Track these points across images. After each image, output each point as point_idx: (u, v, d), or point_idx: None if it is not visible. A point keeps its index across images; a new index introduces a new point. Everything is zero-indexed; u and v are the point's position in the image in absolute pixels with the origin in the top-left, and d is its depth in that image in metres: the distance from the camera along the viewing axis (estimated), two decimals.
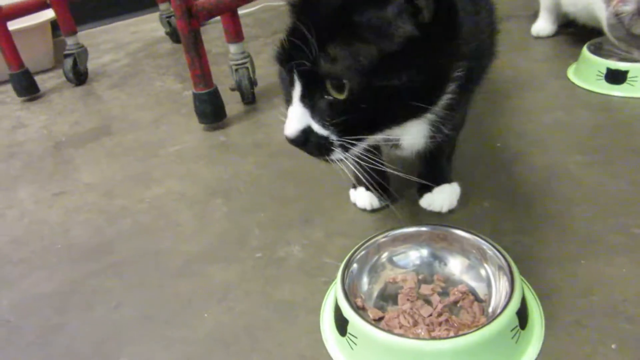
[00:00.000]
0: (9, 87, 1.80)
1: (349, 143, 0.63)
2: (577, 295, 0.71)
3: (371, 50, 0.58)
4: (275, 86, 1.56)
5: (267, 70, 1.66)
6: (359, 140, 0.64)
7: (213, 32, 2.12)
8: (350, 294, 0.70)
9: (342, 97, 0.60)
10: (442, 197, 0.90)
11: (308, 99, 0.62)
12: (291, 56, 0.61)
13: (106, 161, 1.29)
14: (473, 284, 0.73)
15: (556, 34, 1.58)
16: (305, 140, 0.64)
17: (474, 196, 0.93)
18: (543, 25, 1.58)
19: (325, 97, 0.61)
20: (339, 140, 0.63)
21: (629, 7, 1.18)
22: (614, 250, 0.78)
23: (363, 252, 0.76)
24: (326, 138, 0.63)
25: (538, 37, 1.59)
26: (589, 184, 0.93)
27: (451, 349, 0.60)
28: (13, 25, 1.76)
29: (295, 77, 0.62)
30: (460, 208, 0.91)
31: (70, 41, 1.81)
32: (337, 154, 0.64)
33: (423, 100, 0.61)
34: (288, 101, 0.66)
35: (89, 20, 2.57)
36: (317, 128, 0.63)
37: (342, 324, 0.67)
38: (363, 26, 0.58)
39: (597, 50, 1.29)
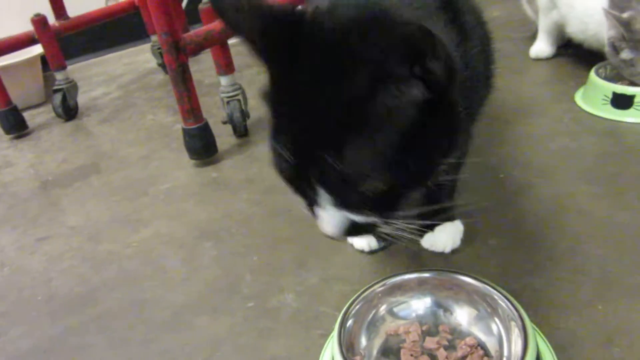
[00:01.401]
0: None
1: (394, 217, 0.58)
2: (596, 345, 0.66)
3: (392, 136, 0.52)
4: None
5: (260, 101, 1.62)
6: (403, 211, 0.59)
7: (206, 62, 2.09)
8: (348, 351, 0.64)
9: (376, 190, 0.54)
10: (445, 237, 0.85)
11: (339, 200, 0.56)
12: (301, 170, 0.55)
13: (93, 202, 1.24)
14: (482, 336, 0.67)
15: (555, 55, 1.54)
16: (349, 231, 0.58)
17: (479, 233, 0.88)
18: (542, 47, 1.54)
19: (358, 191, 0.54)
20: (383, 220, 0.58)
21: (612, 33, 1.15)
22: (632, 292, 0.72)
23: (360, 305, 0.70)
24: (370, 223, 0.58)
25: (537, 59, 1.55)
26: (600, 217, 0.87)
27: None
28: (2, 61, 1.73)
29: (316, 187, 0.55)
30: (465, 247, 0.86)
31: (59, 76, 1.77)
32: (384, 228, 0.59)
33: (448, 153, 0.57)
34: (306, 200, 0.59)
35: (80, 53, 2.55)
36: (358, 219, 0.57)
37: None
38: (373, 112, 0.51)
39: (606, 74, 1.25)
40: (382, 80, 0.50)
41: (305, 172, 0.55)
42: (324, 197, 0.56)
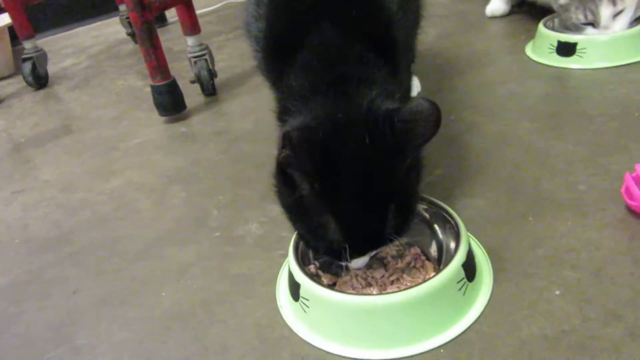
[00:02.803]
0: None
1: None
2: (524, 249, 0.73)
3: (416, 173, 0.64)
4: (235, 77, 1.57)
5: (228, 64, 1.67)
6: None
7: (175, 32, 2.11)
8: (302, 261, 0.70)
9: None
10: None
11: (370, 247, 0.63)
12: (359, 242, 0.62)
13: (66, 158, 1.28)
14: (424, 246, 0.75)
15: (509, 13, 1.61)
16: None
17: (427, 167, 0.95)
18: (497, 5, 1.61)
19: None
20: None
21: None
22: (561, 206, 0.80)
23: None
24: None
25: (493, 17, 1.62)
26: (538, 148, 0.95)
27: (400, 301, 0.62)
28: None
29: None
30: None
31: (28, 45, 1.78)
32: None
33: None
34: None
35: (49, 28, 2.54)
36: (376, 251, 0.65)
37: (294, 289, 0.68)
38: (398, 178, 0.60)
39: (553, 26, 1.33)
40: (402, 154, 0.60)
41: (363, 248, 0.62)
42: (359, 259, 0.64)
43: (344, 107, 0.62)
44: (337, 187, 0.58)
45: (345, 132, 0.60)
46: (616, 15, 1.19)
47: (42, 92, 1.81)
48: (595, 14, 1.19)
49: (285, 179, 0.62)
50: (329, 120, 0.60)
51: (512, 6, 1.62)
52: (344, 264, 0.66)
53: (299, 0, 0.73)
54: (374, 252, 0.64)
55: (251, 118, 1.29)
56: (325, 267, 0.73)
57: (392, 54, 0.72)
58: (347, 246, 0.60)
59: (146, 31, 1.23)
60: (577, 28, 1.24)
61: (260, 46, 0.79)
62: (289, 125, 0.60)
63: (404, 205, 0.62)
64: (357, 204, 0.59)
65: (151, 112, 1.40)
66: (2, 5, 1.73)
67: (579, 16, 1.22)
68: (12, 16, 1.75)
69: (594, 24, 1.22)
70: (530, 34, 1.39)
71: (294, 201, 0.61)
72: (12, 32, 1.96)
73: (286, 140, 0.56)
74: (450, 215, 0.72)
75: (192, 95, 1.44)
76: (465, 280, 0.65)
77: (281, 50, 0.73)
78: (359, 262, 0.64)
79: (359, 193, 0.59)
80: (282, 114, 0.70)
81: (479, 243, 0.75)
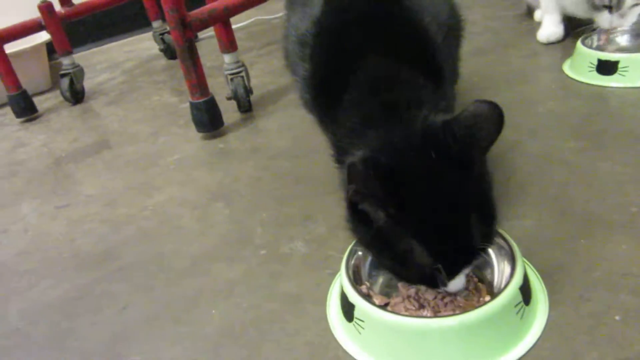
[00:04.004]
0: (7, 110, 1.82)
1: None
2: (579, 272, 0.73)
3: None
4: (270, 93, 1.59)
5: (261, 80, 1.69)
6: None
7: (207, 47, 2.15)
8: (354, 280, 0.71)
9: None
10: None
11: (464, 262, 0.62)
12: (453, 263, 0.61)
13: (107, 173, 1.31)
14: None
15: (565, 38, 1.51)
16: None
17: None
18: (552, 30, 1.51)
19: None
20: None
21: None
22: (613, 228, 0.79)
23: None
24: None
25: (549, 44, 1.52)
26: (584, 168, 0.94)
27: (457, 325, 0.61)
28: (9, 48, 1.78)
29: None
30: None
31: (66, 61, 1.83)
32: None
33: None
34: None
35: (83, 43, 2.60)
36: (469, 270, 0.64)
37: (348, 310, 0.68)
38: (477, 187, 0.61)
39: (592, 44, 1.32)
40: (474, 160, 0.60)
41: (457, 266, 0.61)
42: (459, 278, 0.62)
43: (400, 130, 0.63)
44: (413, 208, 0.58)
45: (407, 152, 0.60)
46: (634, 5, 1.21)
47: (79, 106, 1.85)
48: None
49: (358, 216, 0.61)
50: (390, 146, 0.61)
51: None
52: (441, 290, 0.64)
53: (345, 37, 0.75)
54: (468, 269, 0.62)
55: (289, 135, 1.30)
56: (377, 287, 0.74)
57: (438, 77, 0.73)
58: (439, 267, 0.59)
59: (187, 49, 1.26)
60: (594, 8, 1.25)
61: (309, 88, 0.79)
62: (349, 161, 0.59)
63: (485, 212, 0.61)
64: (438, 220, 0.58)
65: (188, 128, 1.42)
66: (43, 23, 1.78)
67: None
68: (51, 33, 1.80)
69: (611, 8, 1.23)
70: (567, 52, 1.39)
71: (372, 235, 0.61)
72: (49, 47, 2.02)
73: (352, 174, 0.56)
74: (503, 238, 0.72)
75: (228, 111, 1.46)
76: (522, 303, 0.64)
77: (331, 90, 0.73)
78: (457, 284, 0.62)
79: (437, 209, 0.58)
80: (340, 155, 0.71)
81: (531, 266, 0.74)
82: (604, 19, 1.24)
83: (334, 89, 0.72)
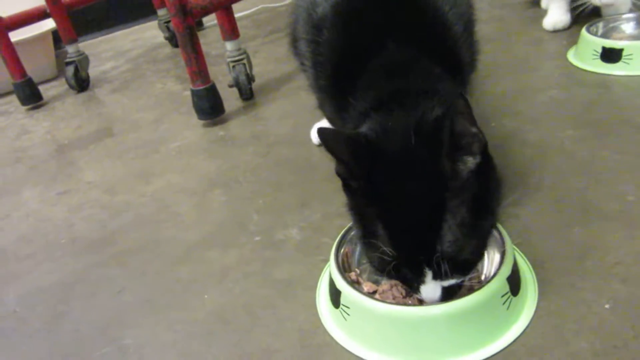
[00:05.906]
0: (13, 97, 1.84)
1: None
2: (571, 260, 0.72)
3: (469, 204, 0.59)
4: (272, 81, 1.58)
5: (264, 68, 1.69)
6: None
7: (211, 36, 2.15)
8: (343, 267, 0.71)
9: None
10: None
11: (438, 274, 0.59)
12: (410, 258, 0.59)
13: (108, 160, 1.32)
14: None
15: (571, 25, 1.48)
16: (443, 296, 0.62)
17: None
18: (558, 17, 1.49)
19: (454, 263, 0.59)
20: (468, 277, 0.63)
21: None
22: (608, 217, 0.78)
23: (354, 231, 0.76)
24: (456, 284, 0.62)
25: (555, 31, 1.49)
26: (583, 156, 0.93)
27: (441, 314, 0.61)
28: (15, 36, 1.79)
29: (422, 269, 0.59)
30: None
31: (71, 49, 1.84)
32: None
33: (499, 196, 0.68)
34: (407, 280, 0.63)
35: (88, 32, 2.61)
36: (448, 283, 0.61)
37: (335, 296, 0.68)
38: (455, 188, 0.58)
39: (596, 32, 1.30)
40: (455, 159, 0.58)
41: (413, 260, 0.59)
42: (428, 275, 0.59)
43: (399, 117, 0.63)
44: (380, 183, 0.58)
45: (393, 135, 0.60)
46: None
47: (83, 94, 1.86)
48: None
49: (346, 189, 0.64)
50: (380, 127, 0.61)
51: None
52: (417, 296, 0.63)
53: (365, 23, 0.74)
54: (453, 281, 0.60)
55: (289, 122, 1.30)
56: (365, 274, 0.74)
57: (456, 66, 0.73)
58: (410, 271, 0.59)
59: (188, 36, 1.26)
60: None
61: (324, 74, 0.79)
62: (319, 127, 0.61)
63: (468, 211, 0.58)
64: (404, 206, 0.58)
65: (190, 115, 1.42)
66: (48, 11, 1.79)
67: None
68: (56, 21, 1.80)
69: None
70: (572, 40, 1.37)
71: (351, 207, 0.63)
72: (54, 35, 2.03)
73: (320, 138, 0.58)
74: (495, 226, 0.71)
75: (229, 99, 1.46)
76: (509, 294, 0.64)
77: (347, 76, 0.73)
78: (430, 293, 0.60)
79: (405, 194, 0.58)
80: None
81: (523, 255, 0.74)
82: None
83: (351, 75, 0.72)
